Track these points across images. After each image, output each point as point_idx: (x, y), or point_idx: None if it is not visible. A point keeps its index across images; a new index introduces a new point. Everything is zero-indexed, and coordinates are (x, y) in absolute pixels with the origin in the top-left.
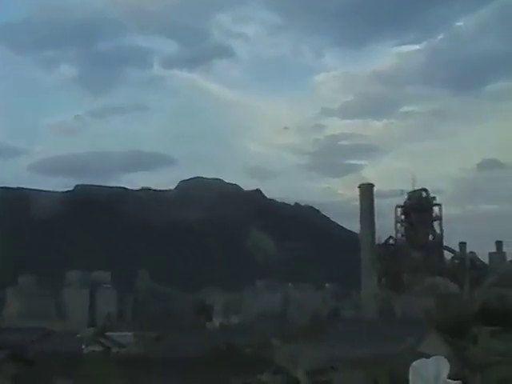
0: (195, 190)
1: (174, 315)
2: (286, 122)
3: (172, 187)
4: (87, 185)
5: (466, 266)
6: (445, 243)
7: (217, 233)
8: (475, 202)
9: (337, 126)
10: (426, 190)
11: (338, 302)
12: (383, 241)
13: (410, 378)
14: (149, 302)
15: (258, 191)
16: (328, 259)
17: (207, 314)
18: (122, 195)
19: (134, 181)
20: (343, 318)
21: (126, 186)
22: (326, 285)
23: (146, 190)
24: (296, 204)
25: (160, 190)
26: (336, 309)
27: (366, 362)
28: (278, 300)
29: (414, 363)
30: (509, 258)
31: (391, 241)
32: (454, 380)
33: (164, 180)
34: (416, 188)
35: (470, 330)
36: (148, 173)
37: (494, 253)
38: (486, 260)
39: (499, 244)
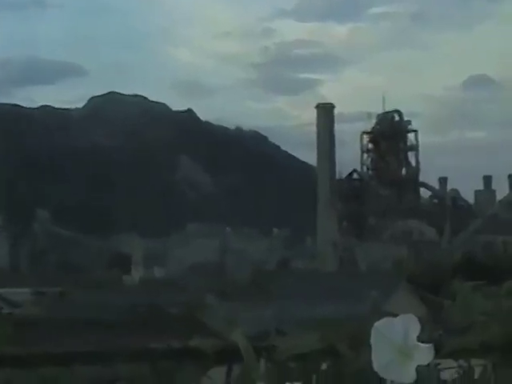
0: (110, 110)
1: (82, 267)
2: (226, 26)
3: (80, 105)
4: None
5: (447, 207)
6: (421, 179)
7: (136, 164)
8: (459, 127)
9: (290, 30)
10: (399, 113)
11: (288, 250)
12: (345, 175)
13: (372, 340)
14: (50, 250)
15: (189, 112)
16: (277, 198)
17: (124, 266)
18: (14, 115)
19: (31, 97)
20: (294, 270)
21: (21, 104)
22: (274, 230)
23: (46, 109)
24: (237, 128)
25: (64, 109)
26: (285, 259)
27: (321, 323)
28: (213, 248)
29: (376, 323)
30: (499, 197)
31: (355, 175)
32: (426, 343)
33: (70, 96)
34: (387, 110)
35: (449, 284)
36: (49, 87)
37: (481, 191)
38: (471, 200)
39: (487, 180)
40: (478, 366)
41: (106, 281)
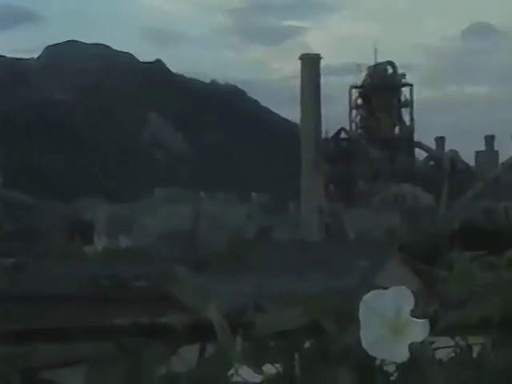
0: (69, 60)
1: (38, 235)
2: None
3: (35, 55)
4: None
5: (445, 170)
6: (416, 138)
7: (99, 121)
8: (458, 81)
9: None
10: (392, 65)
11: (269, 218)
12: (332, 134)
13: (361, 315)
14: (3, 216)
15: (159, 63)
16: (256, 159)
17: (86, 234)
18: None
19: None
20: (275, 239)
21: None
22: (253, 194)
23: None
24: (213, 82)
25: (18, 59)
26: (266, 228)
27: (305, 298)
28: (185, 215)
29: (365, 296)
30: (502, 159)
31: (343, 134)
32: (420, 318)
33: (23, 44)
34: (379, 62)
35: (446, 255)
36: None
37: (483, 152)
38: (471, 162)
39: (489, 140)
40: (476, 344)
41: (66, 251)
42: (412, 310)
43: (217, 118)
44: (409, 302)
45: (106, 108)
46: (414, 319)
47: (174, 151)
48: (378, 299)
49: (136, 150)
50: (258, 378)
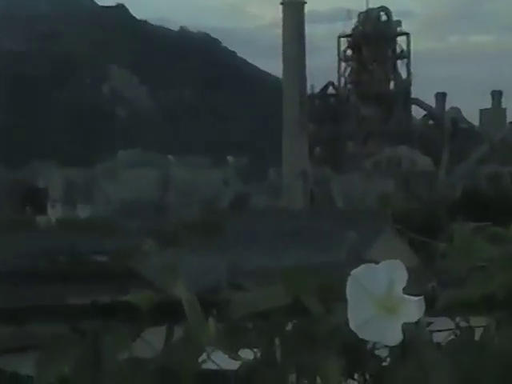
0: (21, 6)
1: None
2: None
3: None
4: None
5: (445, 130)
6: (414, 94)
7: (53, 73)
8: (461, 30)
9: None
10: (386, 11)
11: (247, 184)
12: (319, 90)
13: (349, 292)
14: None
15: (120, 8)
16: (232, 118)
17: (39, 203)
18: None
19: None
20: (254, 209)
21: None
22: (229, 158)
23: None
24: (182, 30)
25: None
26: (243, 195)
27: (286, 274)
28: (151, 182)
29: (353, 271)
30: (510, 118)
31: (331, 90)
32: (415, 296)
33: None
34: (371, 7)
35: (447, 226)
36: None
37: (488, 110)
38: (475, 121)
39: (496, 96)
40: (479, 327)
41: (17, 221)
42: (406, 287)
43: (187, 71)
44: (402, 278)
45: (61, 60)
46: (408, 297)
47: (139, 108)
48: (367, 274)
49: (95, 107)
50: (234, 364)
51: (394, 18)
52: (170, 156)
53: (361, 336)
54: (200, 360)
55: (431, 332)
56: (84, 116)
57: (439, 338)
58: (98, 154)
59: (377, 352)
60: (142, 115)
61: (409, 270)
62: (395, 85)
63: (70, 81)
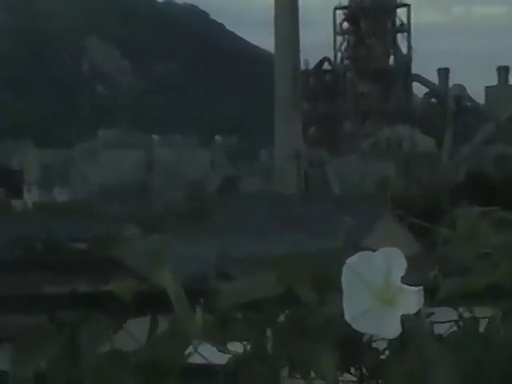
0: None
1: None
2: None
3: None
4: None
5: (448, 109)
6: (414, 70)
7: (30, 48)
8: (466, 1)
9: None
10: None
11: (237, 166)
12: (313, 66)
13: (344, 282)
14: None
15: None
16: (221, 95)
17: (13, 186)
18: None
19: None
20: (244, 193)
21: None
22: (217, 138)
23: None
24: (168, 1)
25: None
26: (232, 178)
27: (278, 262)
28: (134, 163)
29: (349, 260)
30: None
31: (326, 65)
32: (414, 286)
33: None
34: None
35: (450, 211)
36: None
37: (495, 87)
38: (480, 99)
39: (503, 72)
40: (483, 317)
41: None
42: (406, 276)
43: (172, 45)
44: (400, 266)
45: (37, 33)
46: (407, 287)
47: (120, 85)
48: (364, 263)
49: (74, 84)
50: (222, 357)
51: None
52: (153, 136)
53: (357, 328)
54: (186, 353)
55: (432, 323)
56: (61, 93)
57: (441, 329)
58: (77, 134)
59: (374, 344)
60: (124, 92)
61: (408, 257)
62: (395, 60)
63: (46, 56)
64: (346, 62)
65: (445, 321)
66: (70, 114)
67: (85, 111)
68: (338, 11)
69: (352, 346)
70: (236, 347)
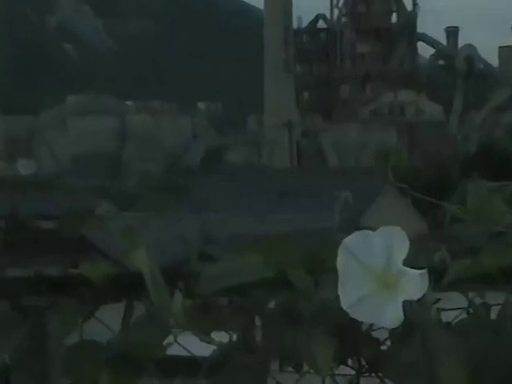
0: None
1: None
2: None
3: None
4: None
5: (458, 72)
6: (420, 29)
7: None
8: None
9: None
10: None
11: (221, 136)
12: (307, 24)
13: (339, 264)
14: None
15: None
16: (204, 56)
17: None
18: None
19: None
20: (229, 166)
21: None
22: (199, 105)
23: None
24: None
25: None
26: (216, 149)
27: (268, 243)
28: (107, 132)
29: (346, 240)
30: None
31: (322, 23)
32: (418, 269)
33: None
34: None
35: (459, 186)
36: None
37: (509, 47)
38: (493, 61)
39: None
40: (495, 305)
41: None
42: (409, 258)
43: (150, 1)
44: (403, 247)
45: None
46: (411, 270)
47: (91, 44)
48: (362, 243)
49: (39, 44)
50: (206, 348)
51: None
52: (128, 102)
53: (354, 316)
54: (165, 343)
55: (439, 310)
56: (25, 55)
57: (449, 317)
58: (43, 100)
59: (374, 334)
60: (95, 53)
61: (412, 237)
62: (398, 18)
63: (8, 12)
64: (344, 19)
65: (453, 308)
66: (35, 77)
67: (51, 74)
68: None
69: (349, 336)
70: (221, 337)
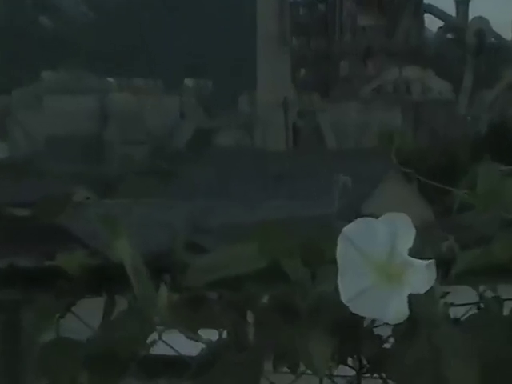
0: None
1: None
2: None
3: None
4: None
5: (468, 47)
6: (427, 0)
7: None
8: None
9: None
10: None
11: (211, 117)
12: None
13: (339, 254)
14: None
15: None
16: (191, 29)
17: None
18: None
19: None
20: (219, 149)
21: None
22: (187, 81)
23: None
24: None
25: None
26: (205, 131)
27: (261, 231)
28: (86, 112)
29: (346, 228)
30: None
31: None
32: (425, 260)
33: None
34: None
35: (469, 169)
36: None
37: None
38: (507, 35)
39: None
40: (508, 299)
41: None
42: (414, 248)
43: None
44: (408, 236)
45: None
46: (416, 260)
47: (68, 15)
48: (364, 232)
49: (12, 15)
50: (193, 346)
51: None
52: (109, 79)
53: (355, 311)
54: (149, 341)
55: (447, 305)
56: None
57: (458, 312)
58: (16, 77)
59: (376, 331)
60: (73, 25)
61: (418, 225)
62: None
63: None
64: None
65: (462, 303)
66: (7, 52)
67: (25, 49)
68: None
69: (349, 333)
70: (210, 334)
